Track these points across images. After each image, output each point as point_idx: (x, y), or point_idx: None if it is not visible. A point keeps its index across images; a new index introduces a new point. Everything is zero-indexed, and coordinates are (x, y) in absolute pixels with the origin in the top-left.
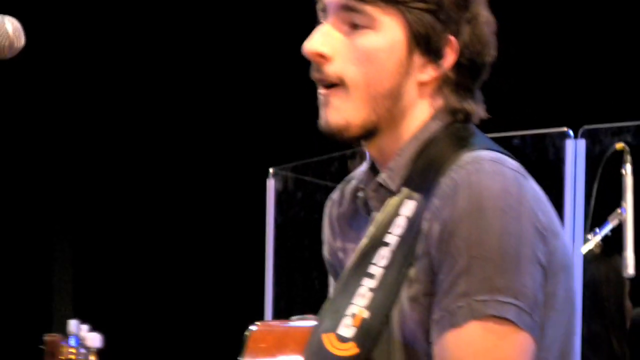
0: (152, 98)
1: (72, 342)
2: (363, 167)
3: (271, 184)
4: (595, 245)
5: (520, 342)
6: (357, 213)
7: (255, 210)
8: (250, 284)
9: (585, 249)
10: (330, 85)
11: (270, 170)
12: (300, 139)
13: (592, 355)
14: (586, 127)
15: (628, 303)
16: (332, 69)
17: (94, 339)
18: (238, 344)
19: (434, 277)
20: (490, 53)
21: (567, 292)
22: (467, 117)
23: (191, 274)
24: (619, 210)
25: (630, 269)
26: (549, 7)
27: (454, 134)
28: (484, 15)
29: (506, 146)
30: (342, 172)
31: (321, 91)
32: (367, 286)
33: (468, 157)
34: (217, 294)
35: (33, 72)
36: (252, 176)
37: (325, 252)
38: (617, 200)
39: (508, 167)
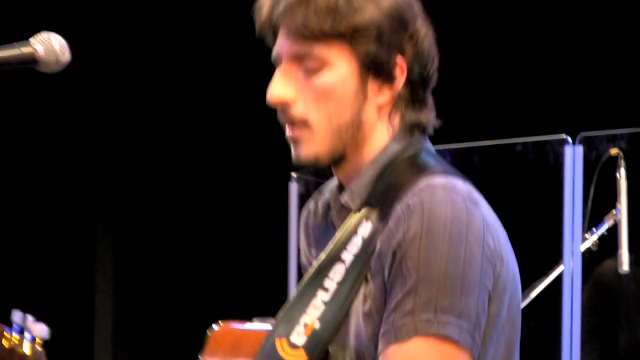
0: (187, 99)
1: (15, 331)
2: (333, 183)
3: (293, 188)
4: (592, 244)
5: (460, 359)
6: (329, 226)
7: (277, 213)
8: (273, 285)
9: (583, 247)
10: (294, 124)
11: (293, 174)
12: None
13: (594, 348)
14: (583, 134)
15: None
16: (295, 112)
17: (41, 330)
18: None
19: (387, 295)
20: (434, 62)
21: (511, 313)
22: (423, 129)
23: (215, 275)
24: (614, 211)
25: (625, 266)
26: (547, 19)
27: (411, 157)
28: (422, 30)
29: (509, 152)
30: None
31: (288, 132)
32: (321, 299)
33: (422, 183)
34: (240, 296)
35: (77, 76)
36: (275, 180)
37: (302, 258)
38: (612, 202)
39: (459, 195)
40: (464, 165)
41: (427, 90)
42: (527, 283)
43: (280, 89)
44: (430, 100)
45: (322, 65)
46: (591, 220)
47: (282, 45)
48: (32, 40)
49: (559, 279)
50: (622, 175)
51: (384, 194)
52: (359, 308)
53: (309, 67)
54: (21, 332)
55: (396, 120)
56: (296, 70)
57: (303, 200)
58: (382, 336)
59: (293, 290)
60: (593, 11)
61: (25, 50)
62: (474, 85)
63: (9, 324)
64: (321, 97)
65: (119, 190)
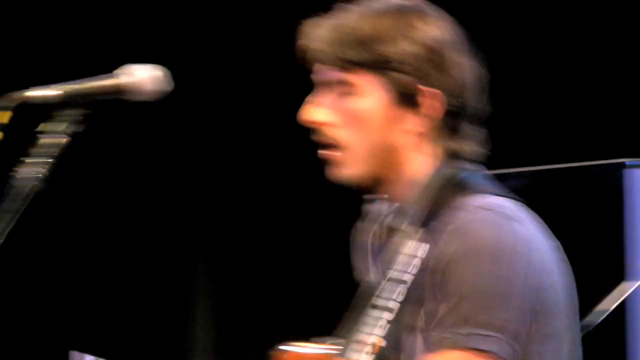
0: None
1: None
2: (381, 205)
3: None
4: None
5: None
6: (381, 244)
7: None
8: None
9: None
10: (331, 146)
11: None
12: None
13: None
14: None
15: None
16: (332, 134)
17: None
18: None
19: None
20: (472, 94)
21: (556, 335)
22: (461, 156)
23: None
24: None
25: None
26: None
27: (457, 180)
28: (456, 63)
29: (566, 179)
30: None
31: (321, 152)
32: (385, 318)
33: (467, 205)
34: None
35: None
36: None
37: (356, 275)
38: None
39: (506, 214)
40: (526, 189)
41: (461, 121)
42: (586, 304)
43: (315, 110)
44: (469, 130)
45: (353, 91)
46: None
47: (318, 72)
48: (118, 72)
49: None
50: None
51: (433, 216)
52: (419, 325)
53: (341, 92)
54: None
55: (429, 147)
56: (331, 94)
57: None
58: (426, 348)
59: None
60: None
61: (111, 82)
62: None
63: None
64: (352, 121)
65: (217, 226)
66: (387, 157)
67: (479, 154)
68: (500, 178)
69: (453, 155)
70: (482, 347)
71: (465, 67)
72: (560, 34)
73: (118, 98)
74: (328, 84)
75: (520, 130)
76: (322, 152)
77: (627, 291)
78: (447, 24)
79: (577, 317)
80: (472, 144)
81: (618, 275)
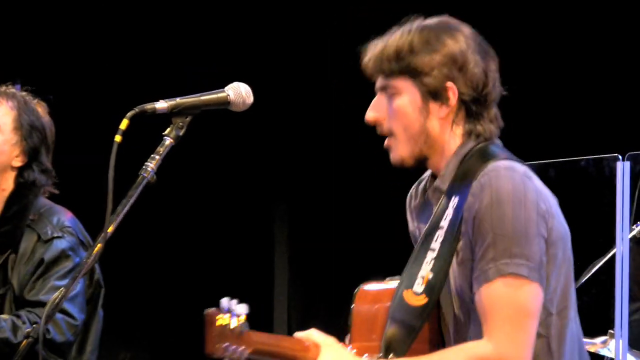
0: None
1: (224, 312)
2: (427, 174)
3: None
4: (638, 232)
5: (531, 289)
6: (426, 204)
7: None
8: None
9: (631, 235)
10: (387, 136)
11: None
12: None
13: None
14: (631, 152)
15: None
16: (385, 127)
17: (242, 308)
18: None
19: (472, 249)
20: (488, 85)
21: (564, 254)
22: (483, 135)
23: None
24: None
25: None
26: (606, 61)
27: (481, 151)
28: (472, 61)
29: (571, 170)
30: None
31: (385, 143)
32: (430, 256)
33: (490, 166)
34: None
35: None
36: (394, 189)
37: (410, 228)
38: None
39: (517, 172)
40: (541, 177)
41: (483, 106)
42: (586, 263)
43: (371, 112)
44: (489, 113)
45: (396, 93)
46: (636, 217)
47: (376, 81)
48: (226, 88)
49: (612, 258)
50: None
51: (463, 177)
52: (454, 260)
53: (388, 95)
54: (229, 311)
55: (459, 129)
56: (383, 97)
57: None
58: (475, 279)
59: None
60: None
61: (221, 95)
62: (548, 114)
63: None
64: (398, 115)
65: (295, 184)
66: (426, 139)
67: (496, 131)
68: None
69: (476, 134)
70: (518, 272)
71: (483, 66)
72: (551, 35)
73: (221, 109)
74: (381, 89)
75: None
76: (385, 143)
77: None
78: (469, 34)
79: (572, 257)
80: (490, 124)
81: (611, 241)
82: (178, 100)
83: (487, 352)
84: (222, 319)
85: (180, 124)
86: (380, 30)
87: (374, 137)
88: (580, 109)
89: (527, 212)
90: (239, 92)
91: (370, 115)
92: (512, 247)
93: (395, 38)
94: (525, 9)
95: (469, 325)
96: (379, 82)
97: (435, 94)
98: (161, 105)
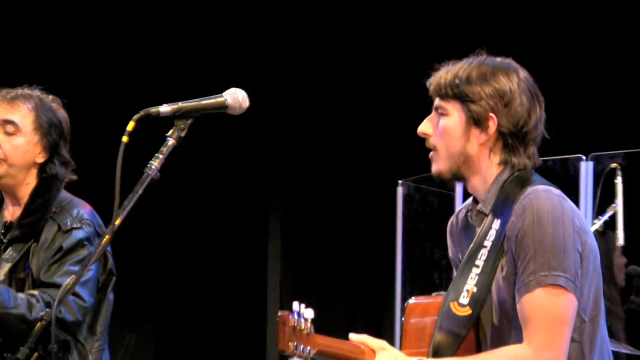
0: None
1: (295, 315)
2: (469, 201)
3: (400, 192)
4: (600, 226)
5: (568, 299)
6: (468, 229)
7: (385, 215)
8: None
9: (593, 228)
10: (432, 150)
11: (399, 181)
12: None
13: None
14: (593, 153)
15: (619, 260)
16: (431, 141)
17: (309, 312)
18: (379, 334)
19: (515, 264)
20: (528, 123)
21: (595, 267)
22: (517, 167)
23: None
24: (613, 205)
25: (620, 241)
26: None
27: (519, 177)
28: (517, 99)
29: (540, 169)
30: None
31: (430, 155)
32: (475, 272)
33: (530, 190)
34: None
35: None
36: (383, 186)
37: (450, 254)
38: (612, 198)
39: (554, 194)
40: None
41: (521, 142)
42: None
43: (424, 125)
44: (527, 150)
45: (446, 114)
46: (599, 211)
47: (434, 100)
48: (224, 93)
49: None
50: (619, 181)
51: (504, 201)
52: (499, 275)
53: (440, 114)
54: (299, 315)
55: (495, 157)
56: (435, 115)
57: (406, 200)
58: (517, 291)
59: (399, 276)
60: (603, 52)
61: (219, 100)
62: None
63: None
64: (443, 133)
65: (289, 181)
66: (465, 159)
67: (530, 166)
68: None
69: (511, 165)
70: (556, 283)
71: (527, 107)
72: (515, 43)
73: (219, 112)
74: (435, 109)
75: None
76: (430, 155)
77: None
78: (524, 77)
79: (600, 270)
80: (526, 159)
81: None
82: (180, 104)
83: (527, 355)
84: (293, 321)
85: (182, 125)
86: (380, 30)
87: (370, 137)
88: (548, 113)
89: (565, 229)
90: (236, 97)
91: (422, 128)
92: (551, 261)
93: (457, 67)
94: (490, 12)
95: (508, 334)
96: (435, 102)
97: (477, 121)
98: (164, 108)
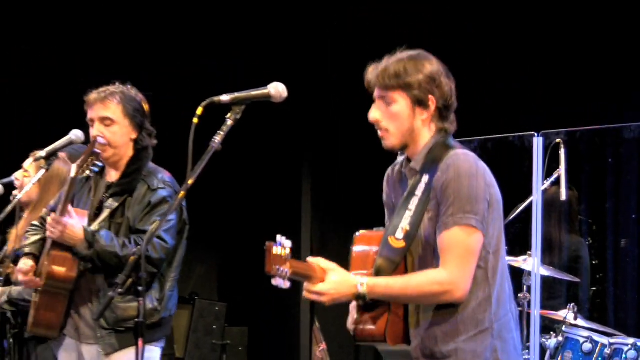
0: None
1: (278, 244)
2: (401, 158)
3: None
4: (548, 186)
5: (477, 236)
6: (401, 180)
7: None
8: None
9: (543, 187)
10: (383, 130)
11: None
12: None
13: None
14: (543, 131)
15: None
16: (382, 125)
17: (288, 242)
18: None
19: (439, 208)
20: (452, 97)
21: (498, 213)
22: (448, 131)
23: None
24: (558, 170)
25: (563, 197)
26: (522, 47)
27: (443, 143)
28: (445, 81)
29: (502, 143)
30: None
31: (380, 134)
32: (408, 214)
33: (452, 153)
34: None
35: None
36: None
37: (385, 197)
38: (556, 166)
39: (471, 156)
40: (480, 150)
41: (450, 112)
42: (512, 206)
43: (373, 113)
44: (452, 117)
45: (393, 100)
46: (547, 175)
47: (375, 91)
48: (268, 86)
49: (530, 203)
50: (562, 153)
51: (432, 161)
52: (425, 217)
53: (386, 102)
54: (281, 245)
55: (432, 127)
56: (381, 103)
57: None
58: (438, 228)
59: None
60: (553, 37)
61: (265, 92)
62: (482, 98)
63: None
64: (393, 118)
65: (319, 140)
66: (411, 133)
67: (453, 129)
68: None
69: (443, 131)
70: (469, 223)
71: (449, 84)
72: (468, 29)
73: (265, 101)
74: (379, 98)
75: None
76: (380, 134)
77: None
78: (438, 62)
79: (502, 215)
80: (451, 124)
81: (529, 191)
82: (236, 94)
83: (442, 276)
84: (276, 249)
85: (238, 110)
86: (380, 30)
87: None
88: (508, 97)
89: (477, 183)
90: (277, 89)
91: (373, 116)
92: (466, 206)
93: (392, 63)
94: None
95: (430, 261)
96: (378, 92)
97: (420, 102)
98: (225, 98)
